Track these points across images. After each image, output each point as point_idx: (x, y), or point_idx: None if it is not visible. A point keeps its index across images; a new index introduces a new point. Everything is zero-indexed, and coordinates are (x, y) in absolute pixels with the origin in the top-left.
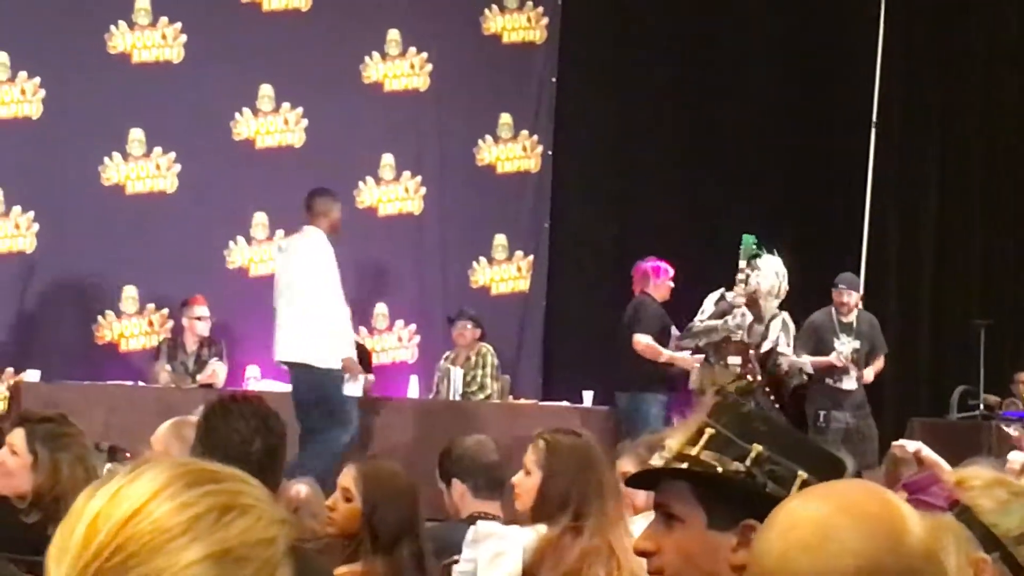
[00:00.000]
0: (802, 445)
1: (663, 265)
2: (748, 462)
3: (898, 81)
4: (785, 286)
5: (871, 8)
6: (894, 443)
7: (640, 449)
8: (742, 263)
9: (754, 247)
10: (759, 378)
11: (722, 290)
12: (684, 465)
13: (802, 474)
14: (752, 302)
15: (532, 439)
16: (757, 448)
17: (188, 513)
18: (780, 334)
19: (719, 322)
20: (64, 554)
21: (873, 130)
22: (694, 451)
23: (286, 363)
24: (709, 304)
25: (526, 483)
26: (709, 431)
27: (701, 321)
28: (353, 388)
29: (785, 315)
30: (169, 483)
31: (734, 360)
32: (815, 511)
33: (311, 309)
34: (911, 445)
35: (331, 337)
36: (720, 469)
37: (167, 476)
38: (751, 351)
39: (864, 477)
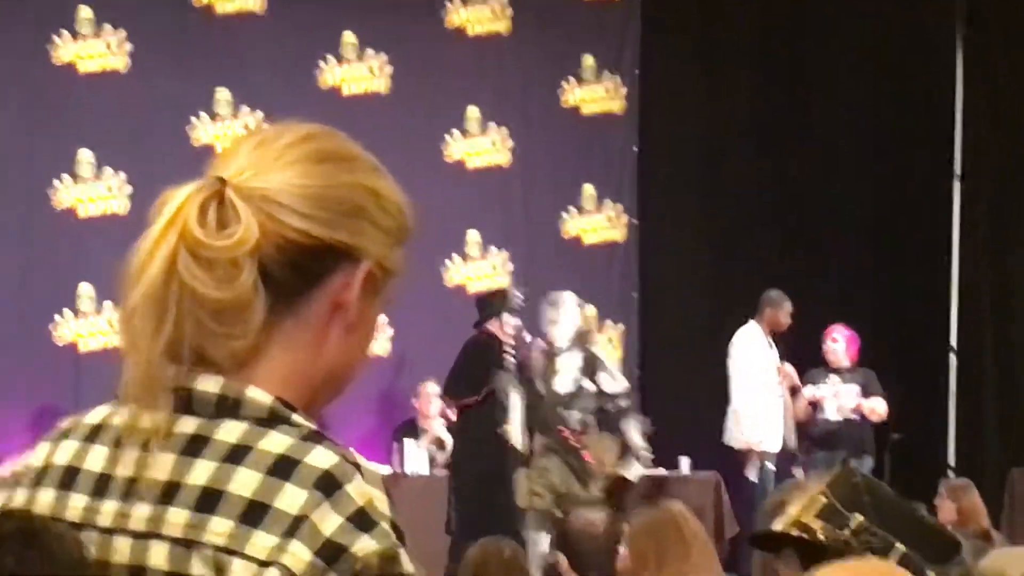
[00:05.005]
0: (906, 518)
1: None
2: (848, 532)
3: (979, 125)
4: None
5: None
6: None
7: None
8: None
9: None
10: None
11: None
12: (793, 532)
13: (900, 547)
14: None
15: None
16: (858, 519)
17: (348, 151)
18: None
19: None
20: (230, 158)
21: (957, 182)
22: (805, 518)
23: None
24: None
25: (623, 553)
26: (822, 500)
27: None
28: None
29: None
30: (331, 132)
31: None
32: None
33: None
34: None
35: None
36: (822, 537)
37: (327, 129)
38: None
39: None
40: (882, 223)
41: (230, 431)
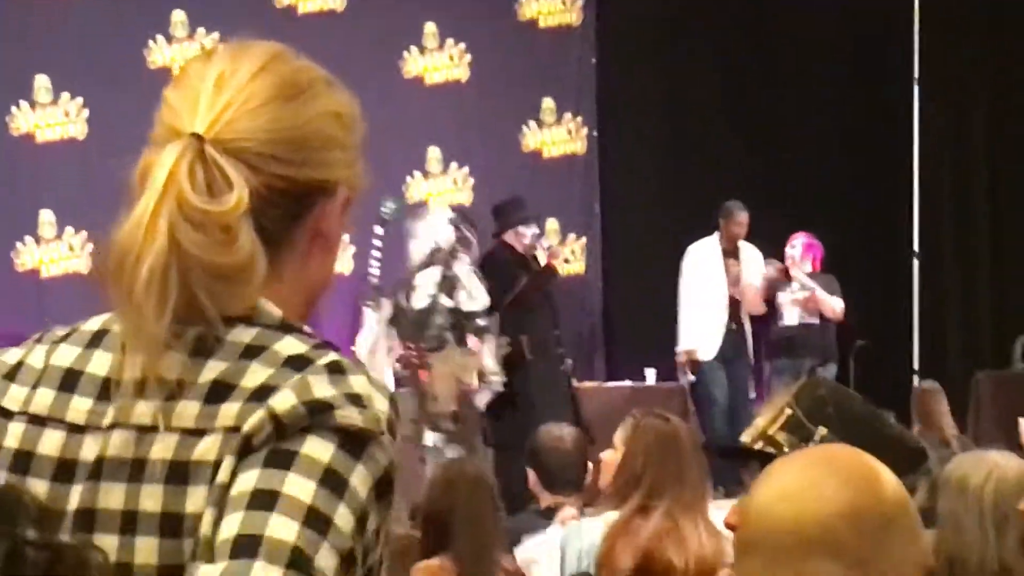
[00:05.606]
0: (869, 430)
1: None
2: (812, 445)
3: (936, 28)
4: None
5: None
6: None
7: None
8: None
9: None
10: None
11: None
12: (758, 445)
13: None
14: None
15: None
16: (822, 431)
17: (305, 75)
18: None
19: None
20: (195, 105)
21: (916, 85)
22: (771, 431)
23: None
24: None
25: (611, 459)
26: (787, 412)
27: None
28: None
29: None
30: (279, 54)
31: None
32: (797, 466)
33: None
34: None
35: None
36: (787, 450)
37: (274, 49)
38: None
39: None
40: (842, 129)
41: (243, 333)
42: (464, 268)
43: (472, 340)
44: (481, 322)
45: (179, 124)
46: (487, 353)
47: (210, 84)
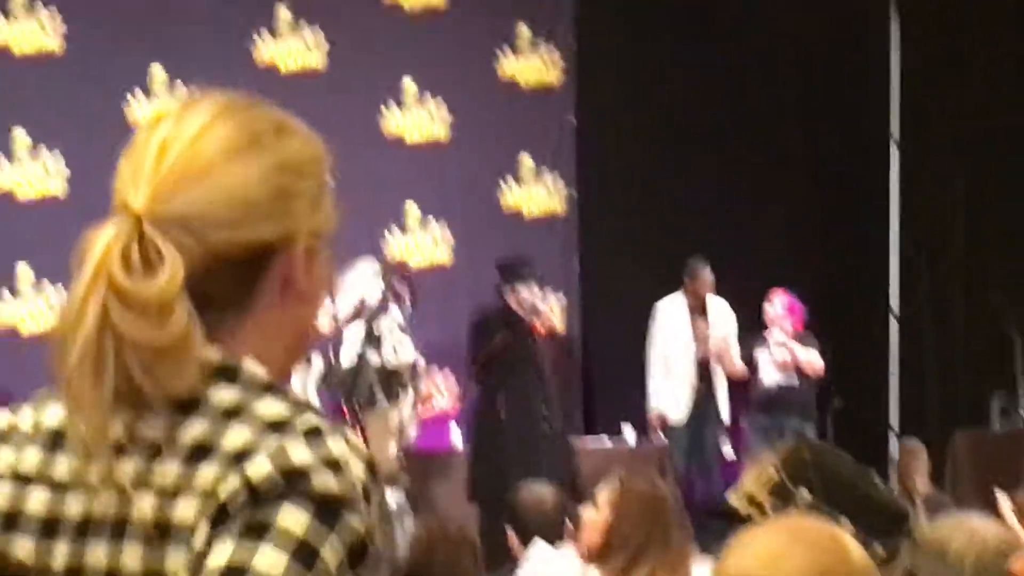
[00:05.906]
0: (851, 493)
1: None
2: (794, 507)
3: (915, 90)
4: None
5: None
6: None
7: None
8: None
9: None
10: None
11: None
12: (743, 509)
13: (844, 522)
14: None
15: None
16: (804, 495)
17: (249, 129)
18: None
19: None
20: (139, 176)
21: (894, 147)
22: (756, 493)
23: None
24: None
25: (594, 520)
26: (771, 474)
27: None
28: None
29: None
30: (225, 107)
31: None
32: (767, 536)
33: None
34: None
35: None
36: (770, 513)
37: (220, 103)
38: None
39: None
40: (820, 188)
41: (225, 392)
42: (389, 322)
43: (402, 394)
44: (405, 378)
45: (126, 197)
46: (406, 408)
47: (153, 153)
